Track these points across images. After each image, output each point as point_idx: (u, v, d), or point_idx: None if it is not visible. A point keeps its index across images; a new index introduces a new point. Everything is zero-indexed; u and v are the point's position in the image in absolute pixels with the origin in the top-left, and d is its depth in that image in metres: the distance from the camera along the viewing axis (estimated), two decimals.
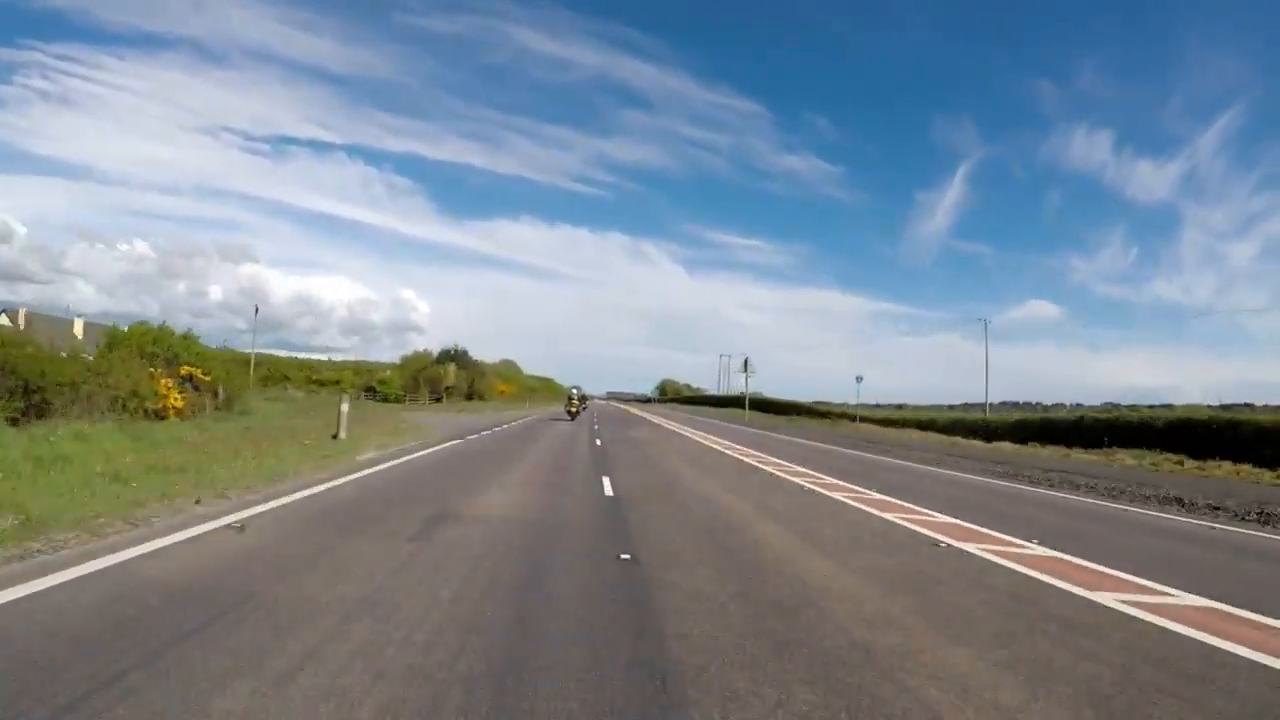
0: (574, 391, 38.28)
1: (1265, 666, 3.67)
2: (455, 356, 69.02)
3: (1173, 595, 5.18)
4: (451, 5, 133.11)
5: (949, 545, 6.85)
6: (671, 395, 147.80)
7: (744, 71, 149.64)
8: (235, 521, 6.05)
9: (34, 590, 3.84)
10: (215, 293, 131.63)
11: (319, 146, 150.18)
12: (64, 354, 14.46)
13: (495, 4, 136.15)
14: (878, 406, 70.48)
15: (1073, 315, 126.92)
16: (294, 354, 69.72)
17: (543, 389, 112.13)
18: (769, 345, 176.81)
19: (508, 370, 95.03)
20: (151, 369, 15.80)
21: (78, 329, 51.98)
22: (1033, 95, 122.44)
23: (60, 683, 2.70)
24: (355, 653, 3.19)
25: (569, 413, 35.35)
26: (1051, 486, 14.05)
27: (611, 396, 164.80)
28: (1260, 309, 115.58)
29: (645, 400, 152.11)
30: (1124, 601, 4.90)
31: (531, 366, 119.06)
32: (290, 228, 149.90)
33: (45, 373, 12.17)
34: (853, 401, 57.44)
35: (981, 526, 8.11)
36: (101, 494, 6.56)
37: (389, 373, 62.74)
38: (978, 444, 29.71)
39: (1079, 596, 5.04)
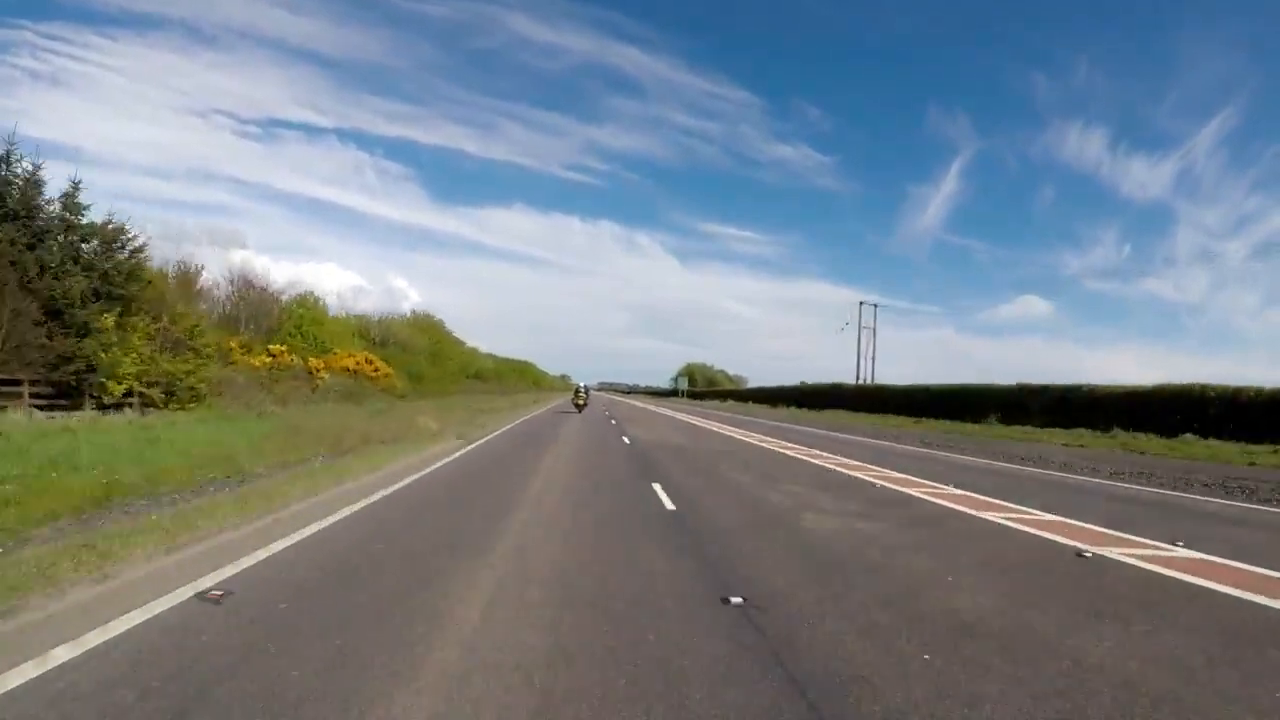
0: (581, 386, 41.41)
1: None
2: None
3: None
4: None
5: None
6: (705, 387, 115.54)
7: (737, 59, 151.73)
8: None
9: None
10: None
11: (311, 130, 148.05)
12: None
13: None
14: None
15: (1064, 310, 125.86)
16: None
17: (509, 374, 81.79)
18: (759, 336, 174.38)
19: (409, 332, 48.65)
20: None
21: None
22: (1028, 90, 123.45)
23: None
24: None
25: (576, 405, 37.79)
26: None
27: (604, 387, 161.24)
28: (1251, 307, 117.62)
29: (665, 394, 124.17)
30: None
31: (524, 356, 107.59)
32: (281, 213, 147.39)
33: None
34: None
35: None
36: None
37: None
38: None
39: None
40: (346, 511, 7.27)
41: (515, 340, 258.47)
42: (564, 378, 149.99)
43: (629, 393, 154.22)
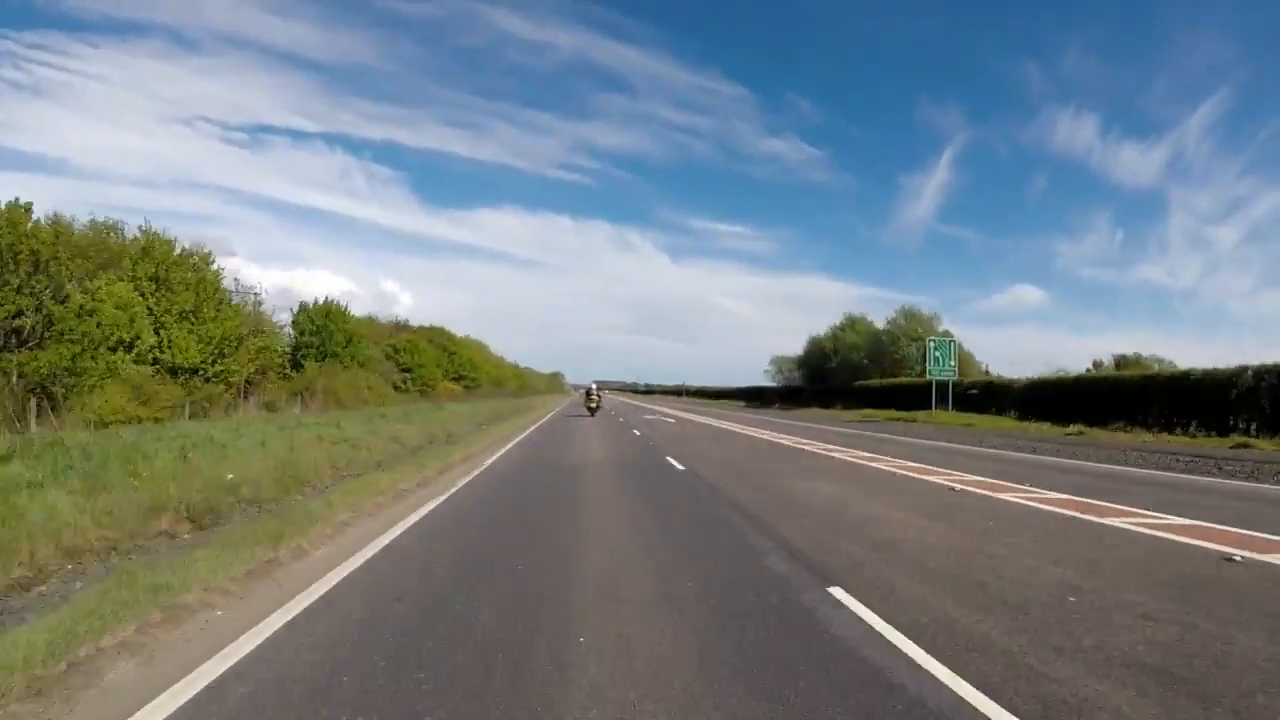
0: (592, 388, 39.64)
1: None
2: None
3: None
4: None
5: None
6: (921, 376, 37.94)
7: (727, 54, 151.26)
8: None
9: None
10: None
11: (297, 135, 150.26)
12: None
13: None
14: None
15: (1057, 299, 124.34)
16: None
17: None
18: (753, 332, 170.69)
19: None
20: None
21: None
22: (1019, 79, 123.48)
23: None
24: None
25: (589, 409, 36.04)
26: None
27: (601, 387, 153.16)
28: (1244, 293, 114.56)
29: (777, 395, 66.56)
30: None
31: (519, 357, 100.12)
32: (270, 220, 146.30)
33: None
34: None
35: None
36: None
37: None
38: None
39: None
40: None
41: (511, 340, 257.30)
42: (556, 376, 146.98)
43: (627, 390, 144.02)
